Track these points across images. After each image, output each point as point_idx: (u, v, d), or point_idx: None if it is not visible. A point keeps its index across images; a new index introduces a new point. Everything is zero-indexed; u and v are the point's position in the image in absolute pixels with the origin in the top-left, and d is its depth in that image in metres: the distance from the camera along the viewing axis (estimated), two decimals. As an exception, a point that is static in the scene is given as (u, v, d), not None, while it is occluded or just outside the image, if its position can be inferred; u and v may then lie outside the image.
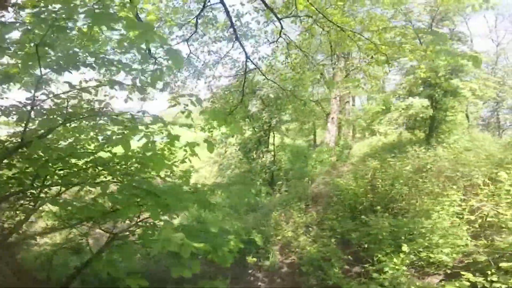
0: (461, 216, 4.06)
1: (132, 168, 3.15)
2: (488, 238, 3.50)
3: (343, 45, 6.26)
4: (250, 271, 4.74)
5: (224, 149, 11.97)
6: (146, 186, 2.43)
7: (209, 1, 4.60)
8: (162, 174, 3.61)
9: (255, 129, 10.76)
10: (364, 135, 15.04)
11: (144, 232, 2.85)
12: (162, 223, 2.34)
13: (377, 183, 6.06)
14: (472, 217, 3.85)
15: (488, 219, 3.73)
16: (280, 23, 4.74)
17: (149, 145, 2.44)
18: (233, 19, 4.92)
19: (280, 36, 5.18)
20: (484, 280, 2.81)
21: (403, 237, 3.99)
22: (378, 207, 4.94)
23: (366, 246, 4.32)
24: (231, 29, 4.95)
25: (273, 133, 11.21)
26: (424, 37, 6.56)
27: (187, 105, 3.47)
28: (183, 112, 3.56)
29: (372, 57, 5.72)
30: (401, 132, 10.22)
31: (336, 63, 10.54)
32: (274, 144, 11.30)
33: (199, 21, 5.33)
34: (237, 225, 3.10)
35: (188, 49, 6.30)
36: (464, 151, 6.38)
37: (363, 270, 3.94)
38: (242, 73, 6.89)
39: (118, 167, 3.08)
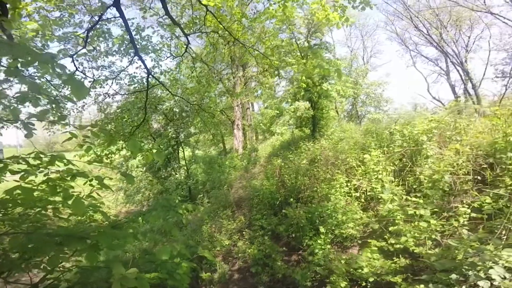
0: (350, 195, 5.06)
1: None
2: (373, 208, 4.62)
3: (243, 58, 6.98)
4: None
5: (128, 173, 10.72)
6: (63, 231, 2.17)
7: (104, 14, 4.12)
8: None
9: (161, 146, 10.19)
10: (265, 136, 16.78)
11: (81, 275, 2.46)
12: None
13: (284, 179, 6.78)
14: (358, 194, 4.97)
15: (368, 193, 4.85)
16: (187, 38, 4.82)
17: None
18: (132, 33, 4.62)
19: (186, 51, 5.26)
20: (385, 243, 3.69)
21: (317, 221, 4.70)
22: (291, 199, 5.54)
23: (293, 235, 4.88)
24: (130, 44, 4.66)
25: (182, 148, 10.94)
26: (305, 51, 8.09)
27: (88, 137, 3.15)
28: (81, 146, 3.22)
29: (266, 70, 6.68)
30: (293, 130, 12.03)
31: (236, 72, 11.35)
32: (185, 159, 11.03)
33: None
34: (180, 247, 3.05)
35: (74, 66, 5.39)
36: (339, 141, 8.09)
37: (299, 257, 4.50)
38: (143, 89, 6.45)
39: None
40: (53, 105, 2.08)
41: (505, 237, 2.93)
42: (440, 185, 3.75)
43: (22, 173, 2.21)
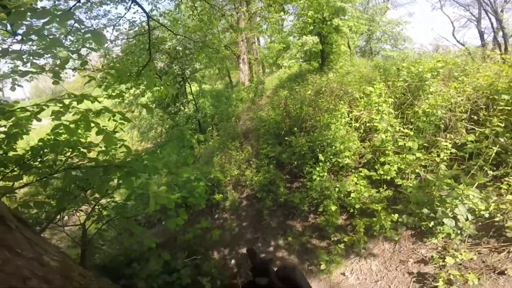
0: (350, 125, 5.24)
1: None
2: (371, 139, 4.79)
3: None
4: (216, 216, 5.29)
5: (138, 111, 11.15)
6: (102, 163, 2.62)
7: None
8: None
9: (167, 83, 10.24)
10: (272, 69, 16.37)
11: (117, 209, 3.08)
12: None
13: (290, 109, 6.92)
14: (357, 124, 5.21)
15: (367, 124, 5.07)
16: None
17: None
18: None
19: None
20: (375, 173, 4.05)
21: (317, 149, 4.94)
22: (295, 129, 5.67)
23: (295, 163, 5.22)
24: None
25: (189, 83, 10.98)
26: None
27: (105, 78, 3.39)
28: (99, 86, 3.54)
29: (270, 5, 6.21)
30: (300, 64, 11.72)
31: (239, 7, 10.55)
32: (192, 93, 11.19)
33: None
34: (197, 172, 3.61)
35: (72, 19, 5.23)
36: (346, 74, 7.93)
37: (300, 184, 4.94)
38: (144, 32, 6.37)
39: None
40: (74, 54, 2.29)
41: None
42: (432, 120, 3.96)
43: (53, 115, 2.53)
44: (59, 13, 1.58)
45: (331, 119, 5.33)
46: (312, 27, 8.88)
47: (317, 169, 4.65)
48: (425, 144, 3.98)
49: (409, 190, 3.49)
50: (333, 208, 3.96)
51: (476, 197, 2.91)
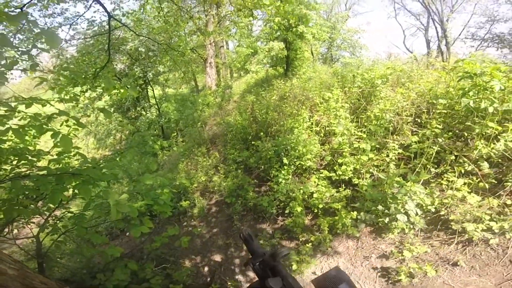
0: (312, 129, 5.50)
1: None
2: (330, 142, 5.09)
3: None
4: (185, 224, 5.12)
5: (95, 116, 10.41)
6: (55, 171, 2.43)
7: None
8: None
9: (127, 86, 9.77)
10: (240, 74, 16.51)
11: (74, 220, 2.83)
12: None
13: (256, 114, 7.03)
14: (318, 128, 5.48)
15: (326, 128, 5.39)
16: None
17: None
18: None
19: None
20: (334, 174, 4.30)
21: (282, 153, 5.06)
22: (261, 133, 5.81)
23: (262, 167, 5.34)
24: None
25: (152, 86, 10.55)
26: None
27: (58, 79, 3.24)
28: (52, 88, 3.34)
29: (240, 10, 6.33)
30: (267, 69, 12.04)
31: (209, 10, 10.51)
32: (155, 97, 10.76)
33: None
34: (160, 179, 3.44)
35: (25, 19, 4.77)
36: (308, 80, 8.31)
37: (268, 187, 5.04)
38: (104, 32, 6.03)
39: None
40: (25, 56, 2.12)
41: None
42: (382, 123, 4.37)
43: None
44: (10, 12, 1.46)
45: (294, 123, 5.55)
46: (278, 33, 9.20)
47: (282, 172, 4.80)
48: (376, 146, 4.31)
49: (365, 188, 3.74)
50: (299, 209, 4.10)
51: (422, 193, 3.22)
